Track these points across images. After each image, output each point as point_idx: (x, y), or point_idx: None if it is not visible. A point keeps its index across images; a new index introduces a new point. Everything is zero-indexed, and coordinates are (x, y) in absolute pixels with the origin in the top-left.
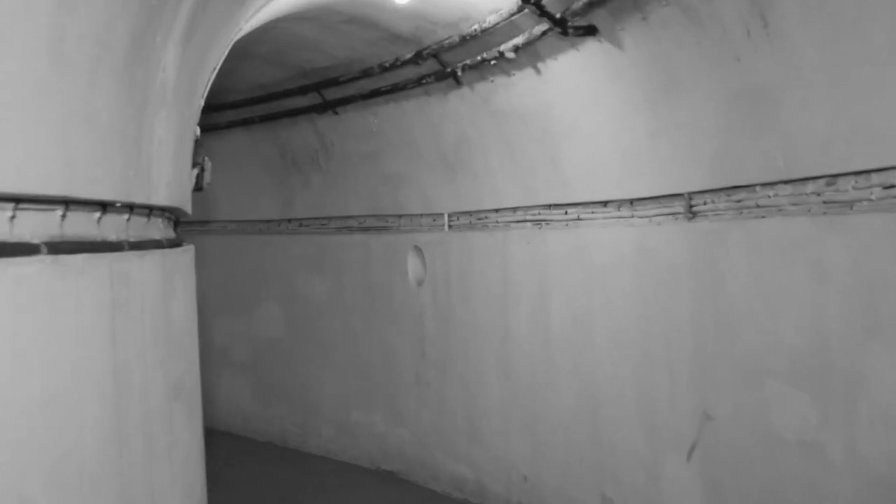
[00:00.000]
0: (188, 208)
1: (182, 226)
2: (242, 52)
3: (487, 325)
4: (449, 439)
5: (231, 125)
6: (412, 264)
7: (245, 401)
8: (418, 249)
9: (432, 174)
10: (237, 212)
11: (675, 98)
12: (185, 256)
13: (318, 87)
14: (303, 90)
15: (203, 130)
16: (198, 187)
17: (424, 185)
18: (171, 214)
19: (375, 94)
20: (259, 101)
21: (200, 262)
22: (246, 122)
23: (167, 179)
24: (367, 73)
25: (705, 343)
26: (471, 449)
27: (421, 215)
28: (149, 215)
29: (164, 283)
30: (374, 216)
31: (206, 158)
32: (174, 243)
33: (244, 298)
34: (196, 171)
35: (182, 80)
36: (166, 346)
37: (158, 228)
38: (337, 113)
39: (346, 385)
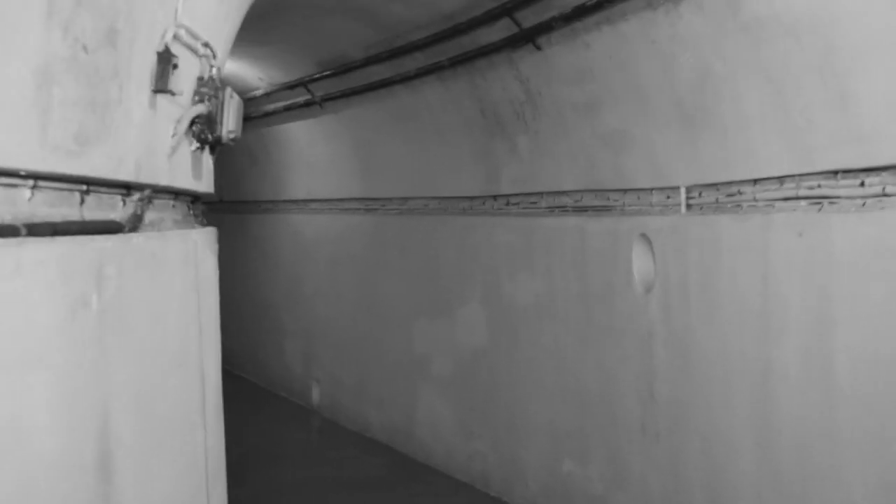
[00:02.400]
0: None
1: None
2: None
3: (738, 360)
4: None
5: (421, 73)
6: (638, 261)
7: (446, 427)
8: (646, 239)
9: (663, 130)
10: (438, 186)
11: None
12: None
13: (508, 10)
14: (491, 17)
15: (393, 82)
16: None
17: (653, 147)
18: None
19: (581, 12)
20: (446, 36)
21: (402, 248)
22: (437, 68)
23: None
24: None
25: None
26: None
27: (650, 190)
28: None
29: None
30: (591, 192)
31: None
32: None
33: (446, 296)
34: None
35: None
36: None
37: None
38: (539, 48)
39: (557, 421)
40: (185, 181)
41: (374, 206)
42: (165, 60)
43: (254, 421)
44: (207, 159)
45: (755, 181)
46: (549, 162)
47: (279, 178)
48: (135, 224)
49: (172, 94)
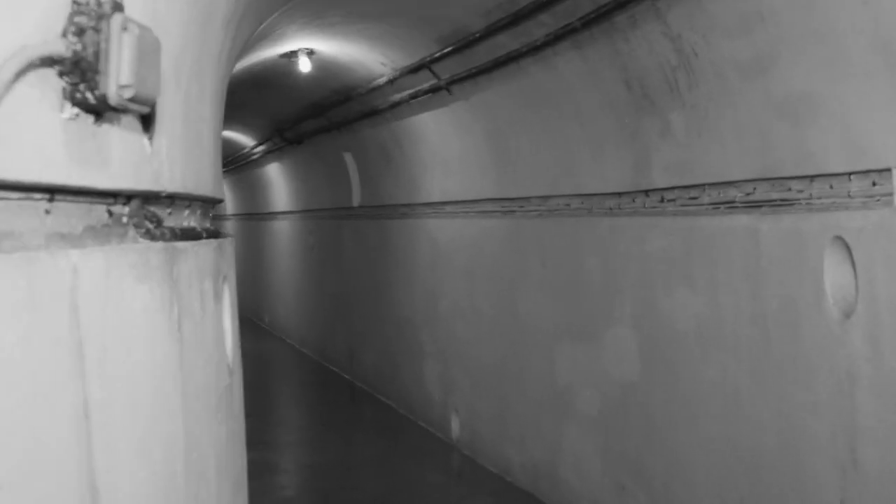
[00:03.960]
0: None
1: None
2: None
3: None
4: None
5: (551, 39)
6: (832, 273)
7: (594, 475)
8: (841, 244)
9: (864, 90)
10: (580, 181)
11: None
12: None
13: None
14: None
15: (521, 55)
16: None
17: (849, 115)
18: None
19: None
20: None
21: (541, 256)
22: (569, 32)
23: None
24: None
25: None
26: None
27: (847, 175)
28: None
29: None
30: (765, 181)
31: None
32: None
33: (591, 315)
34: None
35: None
36: None
37: None
38: None
39: (725, 485)
40: (53, 171)
41: (510, 208)
42: None
43: (390, 457)
44: (125, 136)
45: None
46: (710, 143)
47: (414, 179)
48: None
49: None
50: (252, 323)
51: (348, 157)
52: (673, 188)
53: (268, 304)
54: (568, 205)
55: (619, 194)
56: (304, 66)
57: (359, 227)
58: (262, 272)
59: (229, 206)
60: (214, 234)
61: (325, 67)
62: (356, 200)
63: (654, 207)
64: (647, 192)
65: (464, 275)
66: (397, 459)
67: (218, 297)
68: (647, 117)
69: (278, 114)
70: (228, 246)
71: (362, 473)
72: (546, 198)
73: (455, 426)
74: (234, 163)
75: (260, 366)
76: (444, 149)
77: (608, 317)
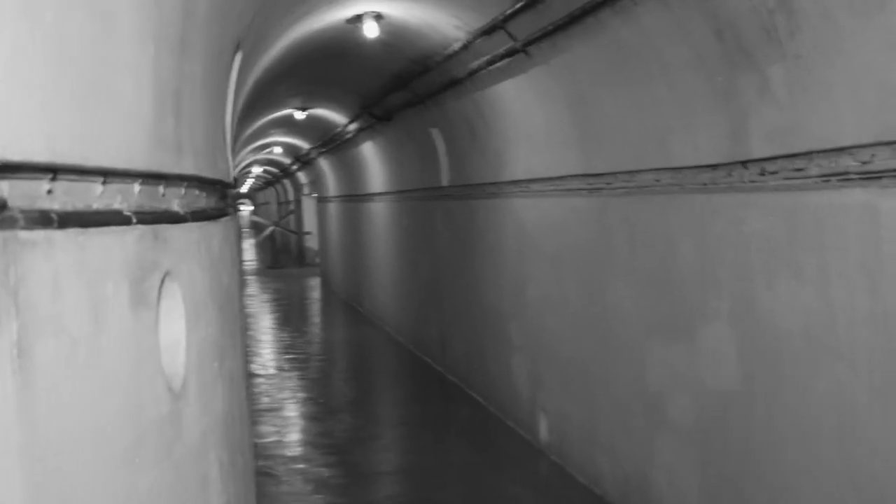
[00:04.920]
0: None
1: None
2: None
3: None
4: None
5: None
6: None
7: (689, 495)
8: None
9: None
10: (670, 152)
11: None
12: None
13: None
14: None
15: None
16: None
17: None
18: None
19: None
20: None
21: (630, 239)
22: None
23: None
24: None
25: None
26: None
27: None
28: None
29: None
30: (886, 145)
31: None
32: None
33: (684, 309)
34: None
35: None
36: None
37: None
38: None
39: None
40: None
41: (597, 185)
42: None
43: (474, 464)
44: None
45: None
46: (817, 101)
47: (499, 154)
48: None
49: None
50: (352, 309)
51: (435, 133)
52: (775, 158)
53: (366, 290)
54: (658, 180)
55: (714, 167)
56: (371, 30)
57: (449, 208)
58: (361, 257)
59: (331, 188)
60: (157, 216)
61: (396, 33)
62: (445, 179)
63: (753, 182)
64: (744, 164)
65: (551, 260)
66: (482, 466)
67: (144, 302)
68: (743, 74)
69: (361, 88)
70: (183, 233)
71: (442, 481)
72: (633, 173)
73: (543, 428)
74: (331, 142)
75: (352, 356)
76: (527, 120)
77: (702, 312)
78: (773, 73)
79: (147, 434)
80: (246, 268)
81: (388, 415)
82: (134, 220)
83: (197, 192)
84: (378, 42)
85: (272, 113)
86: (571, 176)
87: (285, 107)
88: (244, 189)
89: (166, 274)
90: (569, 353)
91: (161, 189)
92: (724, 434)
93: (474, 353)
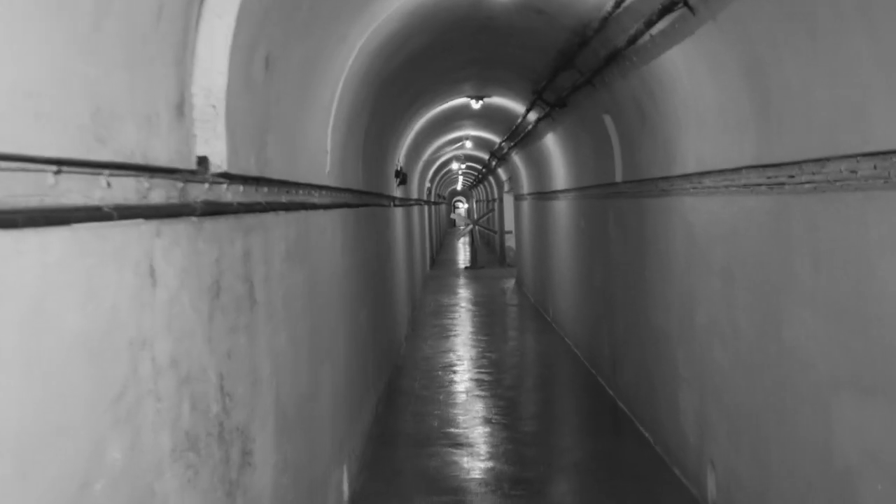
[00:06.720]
0: None
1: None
2: None
3: None
4: None
5: None
6: None
7: None
8: None
9: None
10: (867, 129)
11: None
12: None
13: None
14: None
15: None
16: None
17: None
18: None
19: None
20: None
21: (813, 254)
22: None
23: None
24: None
25: None
26: None
27: None
28: None
29: None
30: None
31: None
32: None
33: (882, 355)
34: None
35: None
36: None
37: None
38: None
39: None
40: None
41: (777, 179)
42: None
43: None
44: None
45: None
46: None
47: (668, 142)
48: None
49: None
50: (538, 316)
51: (608, 120)
52: None
53: (551, 296)
54: (853, 171)
55: None
56: None
57: (620, 208)
58: (546, 260)
59: (525, 185)
60: None
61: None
62: (619, 175)
63: None
64: None
65: (720, 276)
66: None
67: None
68: None
69: (524, 68)
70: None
71: None
72: (822, 161)
73: (711, 485)
74: (516, 134)
75: (525, 370)
76: (696, 96)
77: None
78: None
79: None
80: (455, 268)
81: (559, 450)
82: None
83: None
84: (533, 11)
85: (445, 101)
86: (746, 168)
87: (459, 94)
88: (458, 187)
89: None
90: (738, 396)
91: None
92: None
93: (642, 379)
